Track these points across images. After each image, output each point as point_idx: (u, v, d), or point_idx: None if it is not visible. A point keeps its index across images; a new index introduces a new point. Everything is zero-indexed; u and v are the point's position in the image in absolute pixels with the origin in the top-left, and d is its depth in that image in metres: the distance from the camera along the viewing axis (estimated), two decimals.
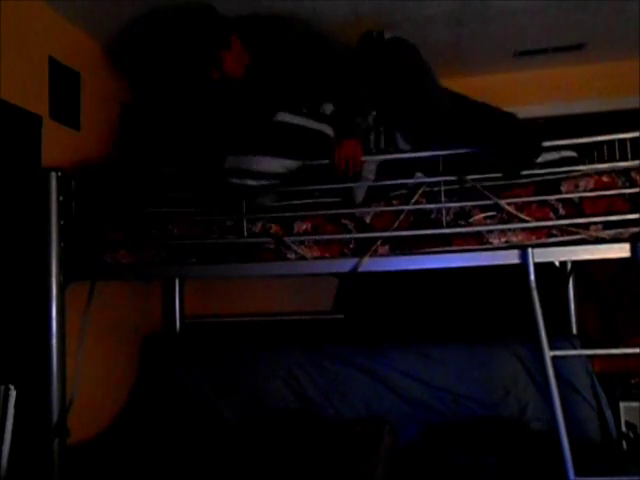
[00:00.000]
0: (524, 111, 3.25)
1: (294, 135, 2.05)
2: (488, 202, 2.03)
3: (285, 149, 2.04)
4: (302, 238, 2.13)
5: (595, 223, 1.99)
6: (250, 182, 2.05)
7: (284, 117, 2.05)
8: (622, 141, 2.04)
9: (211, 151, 2.13)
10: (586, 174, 2.01)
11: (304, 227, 2.13)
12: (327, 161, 2.08)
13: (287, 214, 2.14)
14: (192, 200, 2.22)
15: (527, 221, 2.01)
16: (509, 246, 2.03)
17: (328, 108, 2.17)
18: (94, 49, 2.75)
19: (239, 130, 2.12)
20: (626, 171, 1.99)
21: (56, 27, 2.47)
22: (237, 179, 2.05)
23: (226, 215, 2.17)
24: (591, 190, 2.00)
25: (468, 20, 2.67)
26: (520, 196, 2.03)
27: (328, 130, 2.09)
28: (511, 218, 2.02)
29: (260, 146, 2.03)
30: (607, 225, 1.99)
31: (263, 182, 2.06)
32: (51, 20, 2.43)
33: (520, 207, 2.02)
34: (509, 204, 2.01)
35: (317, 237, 2.13)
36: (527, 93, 3.30)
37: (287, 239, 2.12)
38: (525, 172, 2.02)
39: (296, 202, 2.16)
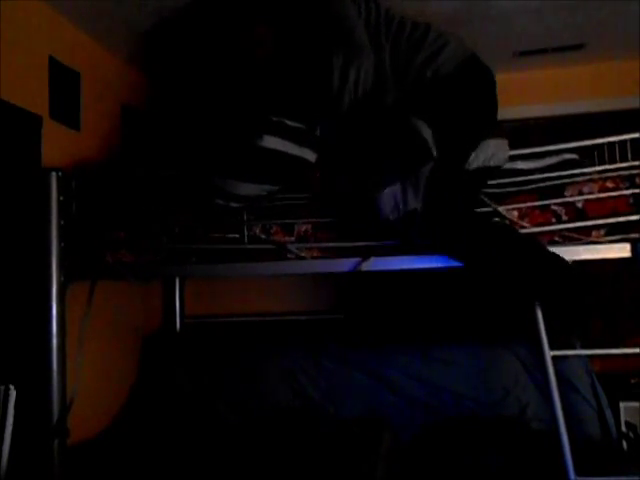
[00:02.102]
0: (524, 111, 3.28)
1: (276, 162, 2.06)
2: (489, 209, 2.04)
3: (266, 177, 2.08)
4: (305, 245, 2.13)
5: (597, 228, 1.98)
6: (233, 204, 2.11)
7: (268, 142, 2.03)
8: (622, 142, 2.04)
9: (202, 165, 2.17)
10: (590, 179, 2.00)
11: (304, 229, 2.14)
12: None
13: (287, 220, 2.14)
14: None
15: (527, 228, 2.01)
16: None
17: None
18: (94, 49, 2.75)
19: (226, 149, 2.14)
20: (630, 176, 1.98)
21: (56, 27, 2.47)
22: (222, 200, 2.10)
23: (225, 219, 2.19)
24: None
25: (468, 20, 2.67)
26: (524, 202, 2.02)
27: (308, 155, 2.08)
28: (513, 224, 2.01)
29: (244, 172, 2.07)
30: (609, 231, 1.98)
31: (245, 203, 2.12)
32: (51, 20, 2.43)
33: (524, 213, 2.02)
34: (511, 210, 2.01)
35: (319, 244, 2.13)
36: (527, 93, 3.30)
37: (290, 246, 2.12)
38: (527, 178, 2.03)
39: (296, 203, 2.16)
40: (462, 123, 2.03)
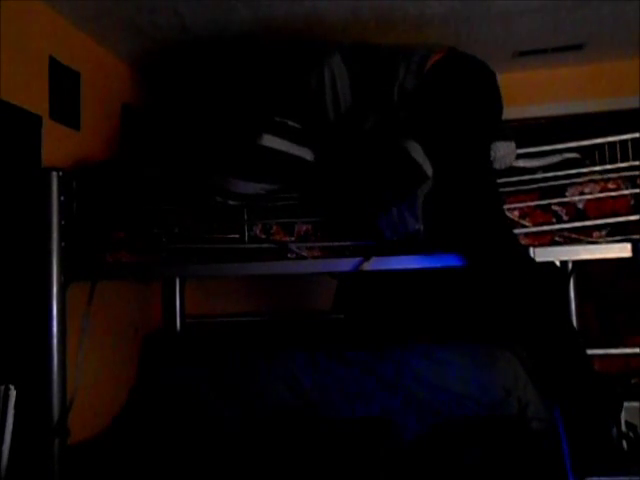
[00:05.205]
0: (525, 111, 3.28)
1: (275, 162, 2.07)
2: None
3: (266, 176, 2.09)
4: (306, 244, 2.13)
5: (599, 229, 1.98)
6: (232, 202, 2.12)
7: (269, 141, 2.05)
8: (623, 142, 2.04)
9: (202, 163, 2.18)
10: (592, 180, 1.99)
11: (305, 229, 2.13)
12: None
13: (287, 220, 2.14)
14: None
15: (528, 227, 2.00)
16: None
17: None
18: (94, 49, 2.75)
19: (226, 147, 2.16)
20: (632, 177, 1.98)
21: (56, 27, 2.46)
22: (220, 198, 2.12)
23: (225, 218, 2.19)
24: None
25: (468, 20, 2.67)
26: (524, 202, 2.02)
27: (308, 155, 2.10)
28: (513, 224, 2.01)
29: (243, 171, 2.08)
30: (611, 232, 1.98)
31: (244, 202, 2.13)
32: (51, 20, 2.43)
33: (525, 213, 2.02)
34: (511, 210, 2.01)
35: (320, 244, 2.13)
36: (527, 93, 3.30)
37: (292, 245, 2.12)
38: (528, 177, 2.03)
39: (296, 203, 2.16)
40: (453, 130, 1.98)
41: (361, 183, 2.00)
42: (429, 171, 1.93)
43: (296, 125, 2.08)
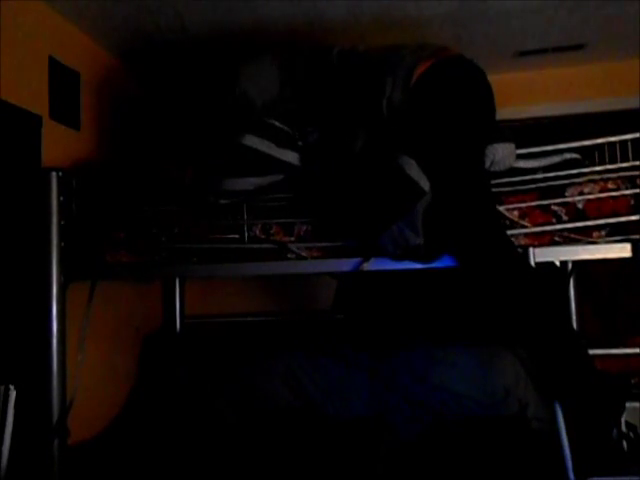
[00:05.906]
0: (525, 111, 3.29)
1: (256, 161, 2.06)
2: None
3: (249, 171, 2.08)
4: (306, 244, 2.13)
5: (598, 229, 1.97)
6: (223, 201, 2.13)
7: (249, 141, 2.04)
8: (623, 142, 2.04)
9: (192, 164, 2.20)
10: (591, 180, 1.99)
11: (304, 229, 2.13)
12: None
13: (287, 220, 2.14)
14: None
15: (527, 227, 2.00)
16: None
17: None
18: (94, 49, 2.75)
19: (210, 147, 2.17)
20: (632, 177, 1.98)
21: (56, 27, 2.47)
22: (212, 197, 2.13)
23: (224, 219, 2.19)
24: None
25: (468, 20, 2.67)
26: (524, 202, 2.01)
27: (289, 157, 2.08)
28: (513, 224, 2.01)
29: (226, 168, 2.09)
30: (611, 232, 1.98)
31: (234, 199, 2.13)
32: (51, 20, 2.43)
33: (525, 213, 2.02)
34: (511, 210, 2.01)
35: (320, 244, 2.13)
36: (527, 93, 3.31)
37: (292, 245, 2.12)
38: (528, 177, 2.03)
39: (295, 203, 2.16)
40: (444, 143, 1.94)
41: (358, 204, 1.99)
42: (426, 186, 1.92)
43: (282, 126, 2.07)
